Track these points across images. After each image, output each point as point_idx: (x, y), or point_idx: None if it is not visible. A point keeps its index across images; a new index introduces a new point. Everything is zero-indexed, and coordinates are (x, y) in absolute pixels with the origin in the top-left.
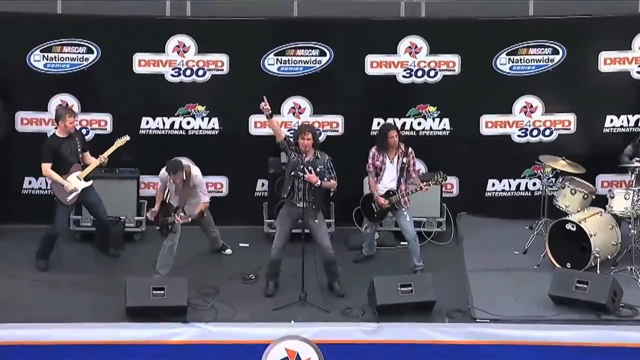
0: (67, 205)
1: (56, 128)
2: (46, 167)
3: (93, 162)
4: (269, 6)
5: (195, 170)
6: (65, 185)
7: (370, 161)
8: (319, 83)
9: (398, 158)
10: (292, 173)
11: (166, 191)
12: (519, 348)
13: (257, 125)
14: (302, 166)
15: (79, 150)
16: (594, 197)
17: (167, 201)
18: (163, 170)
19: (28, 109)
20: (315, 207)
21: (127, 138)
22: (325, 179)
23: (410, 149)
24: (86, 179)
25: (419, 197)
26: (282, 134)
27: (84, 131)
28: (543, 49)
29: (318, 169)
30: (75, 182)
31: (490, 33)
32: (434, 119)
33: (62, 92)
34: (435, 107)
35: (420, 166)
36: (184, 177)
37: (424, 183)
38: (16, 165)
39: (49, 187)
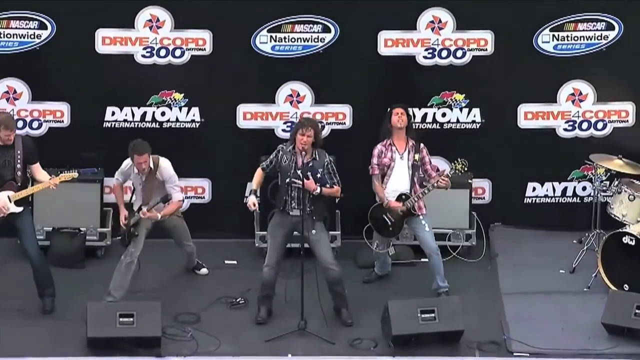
0: None
1: None
2: None
3: (36, 187)
4: None
5: (165, 162)
6: None
7: (374, 161)
8: (321, 65)
9: (409, 153)
10: (287, 180)
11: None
12: None
13: (247, 116)
14: (299, 171)
15: (17, 164)
16: None
17: (130, 201)
18: (125, 163)
19: None
20: (315, 216)
21: (75, 174)
22: (328, 185)
23: (422, 145)
24: (19, 203)
25: (443, 204)
26: (260, 176)
27: (35, 124)
28: (595, 23)
29: (318, 175)
30: (4, 201)
31: (530, 5)
32: (461, 109)
33: (9, 76)
34: (463, 95)
35: (445, 166)
36: (151, 166)
37: (441, 176)
38: None
39: None
